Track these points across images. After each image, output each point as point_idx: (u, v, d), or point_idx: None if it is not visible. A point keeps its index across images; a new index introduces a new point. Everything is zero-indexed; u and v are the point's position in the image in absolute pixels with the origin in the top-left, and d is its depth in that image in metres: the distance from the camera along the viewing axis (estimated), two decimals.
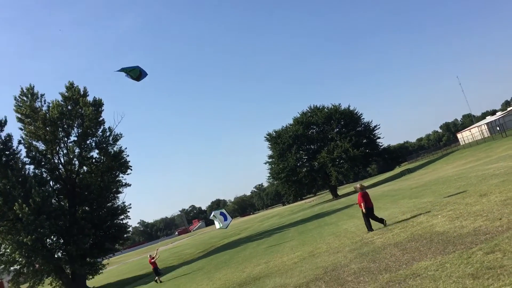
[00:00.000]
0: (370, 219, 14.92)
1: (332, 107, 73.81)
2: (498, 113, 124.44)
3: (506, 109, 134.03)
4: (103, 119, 38.50)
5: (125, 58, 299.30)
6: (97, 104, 38.00)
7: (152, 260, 24.06)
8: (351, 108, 73.64)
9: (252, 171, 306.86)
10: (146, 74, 12.73)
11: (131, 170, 40.20)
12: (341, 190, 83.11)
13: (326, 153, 68.17)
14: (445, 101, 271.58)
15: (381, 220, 14.91)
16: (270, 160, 76.07)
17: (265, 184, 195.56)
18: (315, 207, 60.92)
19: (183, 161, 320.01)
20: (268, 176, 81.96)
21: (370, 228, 14.71)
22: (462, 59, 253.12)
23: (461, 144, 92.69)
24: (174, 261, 41.76)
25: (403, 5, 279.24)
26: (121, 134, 39.58)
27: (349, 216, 24.97)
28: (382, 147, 74.93)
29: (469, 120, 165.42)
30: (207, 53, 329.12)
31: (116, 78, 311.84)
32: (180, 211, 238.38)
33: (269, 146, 75.75)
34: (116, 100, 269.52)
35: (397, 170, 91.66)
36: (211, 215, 26.03)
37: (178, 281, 21.53)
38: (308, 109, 76.36)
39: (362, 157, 67.19)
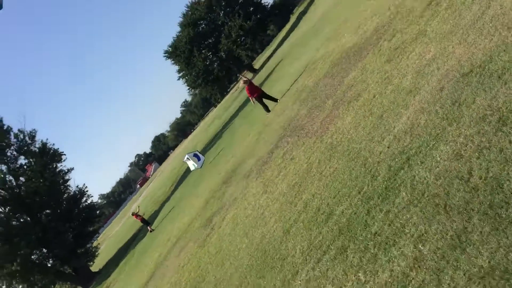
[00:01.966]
0: (264, 101, 16.51)
1: None
2: None
3: None
4: (8, 126, 36.62)
5: None
6: None
7: (138, 215, 24.99)
8: None
9: (172, 93, 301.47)
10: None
11: (65, 155, 39.41)
12: (257, 64, 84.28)
13: (225, 39, 67.97)
14: None
15: (274, 99, 16.37)
16: (181, 73, 75.15)
17: (189, 98, 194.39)
18: (243, 91, 62.10)
19: (105, 118, 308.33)
20: (188, 89, 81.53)
21: (267, 109, 16.36)
22: None
23: None
24: (154, 206, 42.85)
25: None
26: (35, 130, 38.01)
27: (275, 80, 26.00)
28: (269, 6, 75.21)
29: None
30: None
31: None
32: (129, 166, 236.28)
33: (173, 62, 74.28)
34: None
35: (293, 18, 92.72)
36: (185, 158, 25.67)
37: (171, 214, 22.70)
38: (185, 7, 74.15)
39: (257, 25, 67.59)
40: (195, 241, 11.19)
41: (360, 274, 3.95)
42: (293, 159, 8.50)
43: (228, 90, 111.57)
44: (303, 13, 69.55)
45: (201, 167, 23.51)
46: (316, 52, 17.63)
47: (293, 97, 14.02)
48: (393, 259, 3.71)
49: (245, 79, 16.66)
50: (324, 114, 8.98)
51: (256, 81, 46.66)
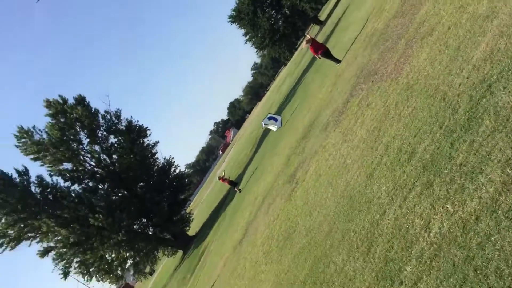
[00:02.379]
0: (330, 56, 16.45)
1: None
2: None
3: None
4: (95, 109, 39.06)
5: None
6: (81, 101, 38.31)
7: (224, 178, 26.00)
8: None
9: (242, 57, 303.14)
10: None
11: (150, 130, 41.52)
12: (322, 15, 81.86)
13: None
14: None
15: (337, 60, 16.23)
16: (247, 36, 75.12)
17: (258, 60, 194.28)
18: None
19: (181, 92, 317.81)
20: (257, 51, 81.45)
21: (337, 61, 16.24)
22: None
23: None
24: (238, 169, 44.14)
25: None
26: (119, 109, 40.26)
27: (344, 28, 25.28)
28: None
29: None
30: None
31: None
32: (209, 134, 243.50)
33: (238, 25, 74.30)
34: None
35: None
36: (262, 125, 25.99)
37: (255, 175, 23.37)
38: None
39: None
40: (282, 196, 11.55)
41: (448, 205, 3.97)
42: (369, 105, 8.43)
43: (296, 46, 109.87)
44: None
45: (281, 125, 23.74)
46: None
47: (364, 43, 13.66)
48: (481, 186, 3.69)
49: (307, 38, 16.59)
50: (397, 55, 8.73)
51: (324, 32, 45.61)
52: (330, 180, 7.99)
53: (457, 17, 6.74)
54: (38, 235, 35.56)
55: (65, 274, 35.83)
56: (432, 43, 7.06)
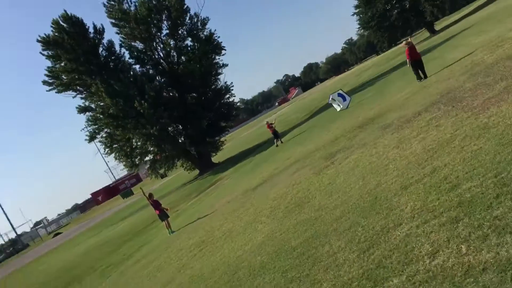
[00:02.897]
0: (418, 70, 16.44)
1: None
2: None
3: None
4: (187, 7, 39.40)
5: None
6: None
7: (271, 125, 26.11)
8: None
9: (340, 27, 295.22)
10: None
11: (225, 50, 41.63)
12: (438, 25, 78.08)
13: None
14: None
15: (424, 75, 16.19)
16: (357, 10, 72.80)
17: (355, 38, 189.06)
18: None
19: (270, 30, 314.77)
20: (358, 27, 79.02)
21: (418, 77, 16.28)
22: None
23: None
24: (284, 127, 44.18)
25: None
26: (207, 18, 40.43)
27: (453, 47, 24.25)
28: None
29: None
30: None
31: None
32: (275, 82, 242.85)
33: None
34: None
35: None
36: (329, 100, 25.53)
37: (296, 139, 23.40)
38: None
39: None
40: (312, 167, 11.58)
41: (463, 246, 3.93)
42: (438, 126, 8.19)
43: (398, 42, 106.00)
44: None
45: (347, 107, 23.30)
46: (510, 31, 15.92)
47: (464, 69, 13.07)
48: (504, 244, 3.62)
49: (408, 40, 16.88)
50: (491, 93, 8.35)
51: (432, 41, 43.81)
52: (365, 175, 7.94)
53: None
54: (85, 92, 37.15)
55: (91, 138, 37.58)
56: None
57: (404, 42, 17.34)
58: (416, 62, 16.51)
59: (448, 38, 34.78)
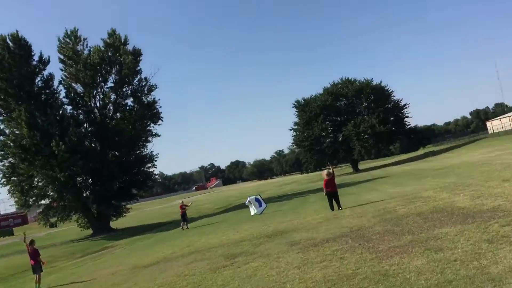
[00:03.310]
0: (332, 200, 17.15)
1: (364, 81, 73.53)
2: None
3: None
4: (140, 69, 39.68)
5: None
6: (136, 54, 39.04)
7: (185, 206, 25.52)
8: (383, 84, 73.42)
9: (275, 136, 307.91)
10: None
11: (162, 121, 41.56)
12: (362, 165, 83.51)
13: (352, 127, 68.44)
14: (478, 87, 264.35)
15: (339, 205, 16.94)
16: (296, 127, 76.67)
17: (286, 151, 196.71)
18: (335, 178, 61.66)
19: (208, 117, 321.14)
20: (292, 143, 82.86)
21: (332, 207, 16.89)
22: (503, 42, 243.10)
23: (490, 132, 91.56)
24: (194, 213, 43.40)
25: None
26: (155, 85, 40.75)
27: (370, 189, 25.71)
28: (408, 127, 74.80)
29: (501, 109, 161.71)
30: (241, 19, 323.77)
31: (154, 28, 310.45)
32: (199, 167, 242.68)
33: (296, 113, 76.18)
34: (154, 50, 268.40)
35: (421, 151, 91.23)
36: (247, 201, 25.47)
37: (203, 229, 22.85)
38: (339, 80, 76.23)
39: (387, 134, 67.43)
40: (210, 263, 11.13)
41: None
42: (342, 259, 8.25)
43: (322, 168, 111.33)
44: (433, 153, 68.26)
45: (261, 213, 23.39)
46: (424, 191, 17.16)
47: (377, 212, 13.69)
48: None
49: (331, 171, 17.58)
50: (397, 242, 8.65)
51: (354, 179, 46.39)
52: (260, 287, 7.66)
53: (469, 258, 6.67)
54: (5, 115, 35.04)
55: None
56: (430, 256, 6.96)
57: (325, 172, 18.10)
58: (332, 194, 17.19)
59: (368, 180, 36.98)
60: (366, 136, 68.27)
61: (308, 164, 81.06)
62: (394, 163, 71.05)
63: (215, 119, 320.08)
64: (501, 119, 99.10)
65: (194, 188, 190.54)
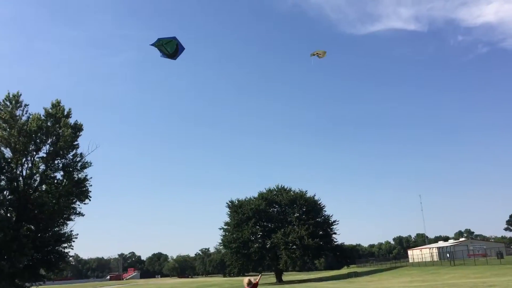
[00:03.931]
0: None
1: (299, 191, 75.20)
2: (451, 241, 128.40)
3: (458, 239, 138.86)
4: (78, 144, 38.44)
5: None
6: (77, 128, 38.10)
7: None
8: (316, 197, 75.28)
9: (203, 232, 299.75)
10: (183, 49, 11.49)
11: (90, 200, 39.51)
12: (285, 277, 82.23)
13: (281, 235, 68.39)
14: (404, 215, 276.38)
15: None
16: (226, 227, 75.64)
17: (212, 250, 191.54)
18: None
19: (134, 204, 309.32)
20: (219, 243, 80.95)
21: None
22: (427, 179, 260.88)
23: (410, 261, 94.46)
24: None
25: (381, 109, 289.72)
26: (90, 163, 39.23)
27: None
28: (336, 243, 75.72)
29: (421, 240, 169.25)
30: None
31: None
32: (118, 254, 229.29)
33: (228, 213, 75.67)
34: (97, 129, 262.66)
35: (344, 270, 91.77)
36: None
37: None
38: (275, 187, 77.46)
39: (315, 247, 67.66)
40: None
41: None
42: None
43: (246, 274, 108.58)
44: (356, 274, 68.74)
45: None
46: None
47: None
48: None
49: (254, 282, 16.48)
50: None
51: None
52: None
53: None
54: None
55: None
56: None
57: (246, 280, 17.22)
58: None
59: None
60: (294, 246, 68.19)
61: (232, 268, 78.74)
62: (318, 279, 70.63)
63: (145, 208, 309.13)
64: (421, 249, 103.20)
65: (108, 277, 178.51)
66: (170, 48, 10.93)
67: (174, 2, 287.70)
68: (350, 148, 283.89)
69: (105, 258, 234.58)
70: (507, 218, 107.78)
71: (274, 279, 77.92)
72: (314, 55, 16.13)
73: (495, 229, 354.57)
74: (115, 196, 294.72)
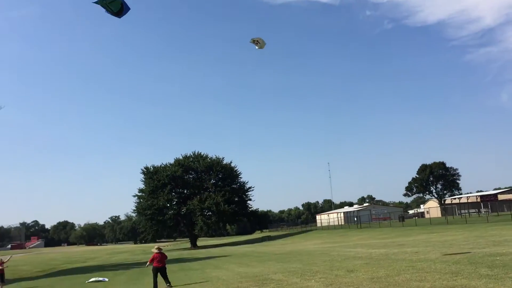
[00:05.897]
0: (157, 278, 16.29)
1: (215, 158, 75.19)
2: (355, 206, 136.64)
3: (362, 204, 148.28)
4: None
5: None
6: None
7: (2, 263, 21.67)
8: (233, 164, 75.76)
9: (113, 200, 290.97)
10: (128, 9, 11.06)
11: None
12: (199, 242, 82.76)
13: (197, 201, 68.27)
14: (312, 181, 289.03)
15: (167, 282, 16.36)
16: (140, 194, 73.94)
17: (122, 217, 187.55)
18: (173, 251, 59.82)
19: (42, 170, 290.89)
20: (133, 210, 78.99)
21: (155, 285, 16.01)
22: (335, 148, 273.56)
23: (318, 225, 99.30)
24: (8, 275, 37.73)
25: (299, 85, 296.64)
26: None
27: (216, 267, 25.12)
28: (251, 209, 77.19)
29: (328, 206, 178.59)
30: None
31: None
32: (20, 223, 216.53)
33: (143, 179, 73.85)
34: None
35: (257, 235, 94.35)
36: (90, 280, 23.51)
37: None
38: (192, 154, 76.66)
39: (230, 214, 68.49)
40: None
41: None
42: None
43: (160, 240, 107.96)
44: (269, 238, 70.91)
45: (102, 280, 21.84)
46: (273, 274, 17.20)
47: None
48: None
49: (160, 248, 17.11)
50: None
51: (193, 255, 45.34)
52: None
53: None
54: None
55: None
56: None
57: (156, 247, 17.35)
58: (159, 269, 16.29)
59: (210, 257, 36.44)
60: (210, 213, 68.54)
61: (146, 234, 77.51)
62: (232, 243, 71.88)
63: (50, 173, 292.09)
64: (329, 214, 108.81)
65: (9, 246, 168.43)
66: (114, 7, 10.12)
67: None
68: (262, 119, 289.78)
69: (4, 227, 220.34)
70: (406, 184, 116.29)
71: (188, 245, 78.15)
72: (254, 42, 15.59)
73: (394, 195, 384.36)
74: (16, 164, 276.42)
